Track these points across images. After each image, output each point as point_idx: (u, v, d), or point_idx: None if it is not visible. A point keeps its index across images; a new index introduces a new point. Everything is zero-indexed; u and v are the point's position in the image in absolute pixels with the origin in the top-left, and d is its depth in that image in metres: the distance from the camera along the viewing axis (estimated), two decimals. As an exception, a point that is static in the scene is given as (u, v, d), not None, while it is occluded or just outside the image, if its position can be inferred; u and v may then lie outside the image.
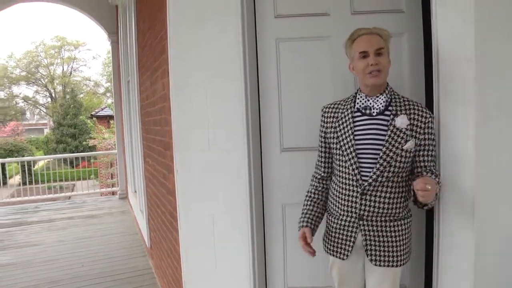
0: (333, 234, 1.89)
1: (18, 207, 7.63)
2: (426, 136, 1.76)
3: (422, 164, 1.78)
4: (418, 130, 1.74)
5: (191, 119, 2.23)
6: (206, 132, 2.21)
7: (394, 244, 1.79)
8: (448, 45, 1.86)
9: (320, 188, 1.99)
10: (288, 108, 2.30)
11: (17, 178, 15.35)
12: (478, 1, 1.72)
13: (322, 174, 1.98)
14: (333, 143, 1.88)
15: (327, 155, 1.96)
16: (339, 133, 1.84)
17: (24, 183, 9.07)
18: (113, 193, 9.63)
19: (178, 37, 2.23)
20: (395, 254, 1.80)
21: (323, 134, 1.95)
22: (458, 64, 1.81)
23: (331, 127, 1.89)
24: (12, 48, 52.27)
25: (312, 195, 1.99)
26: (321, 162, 1.99)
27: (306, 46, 2.28)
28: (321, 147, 1.97)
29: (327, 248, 1.94)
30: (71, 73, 32.14)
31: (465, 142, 1.78)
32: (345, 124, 1.83)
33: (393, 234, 1.79)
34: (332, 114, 1.91)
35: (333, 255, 1.91)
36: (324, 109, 1.96)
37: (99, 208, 7.16)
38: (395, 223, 1.79)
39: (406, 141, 1.72)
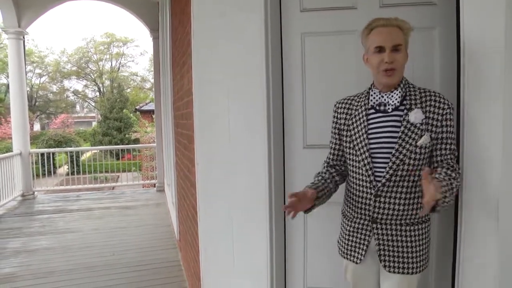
0: (347, 237, 1.83)
1: (61, 196, 8.00)
2: (444, 129, 1.65)
3: (439, 158, 1.67)
4: (435, 123, 1.64)
5: (212, 113, 2.24)
6: (227, 127, 2.21)
7: (410, 250, 1.69)
8: (476, 37, 1.74)
9: (331, 171, 1.88)
10: (312, 104, 2.25)
11: (65, 168, 16.09)
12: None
13: (335, 163, 1.90)
14: (346, 142, 1.81)
15: (339, 152, 1.88)
16: (352, 132, 1.77)
17: (72, 173, 9.46)
18: (154, 186, 9.88)
19: (201, 31, 2.24)
20: (410, 261, 1.69)
21: (336, 131, 1.87)
22: (486, 58, 1.69)
23: (344, 124, 1.82)
24: (64, 44, 54.75)
25: (322, 174, 1.88)
26: (333, 155, 1.90)
27: (332, 40, 2.22)
28: (334, 143, 1.89)
29: (341, 251, 1.87)
30: (119, 68, 33.35)
31: (491, 140, 1.67)
32: (358, 123, 1.75)
33: (408, 239, 1.69)
34: (346, 111, 1.83)
35: (347, 258, 1.84)
36: (337, 105, 1.88)
37: (136, 200, 7.37)
38: (411, 228, 1.69)
39: (421, 137, 1.63)
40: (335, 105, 1.89)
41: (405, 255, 1.69)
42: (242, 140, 2.21)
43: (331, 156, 1.92)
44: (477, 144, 1.73)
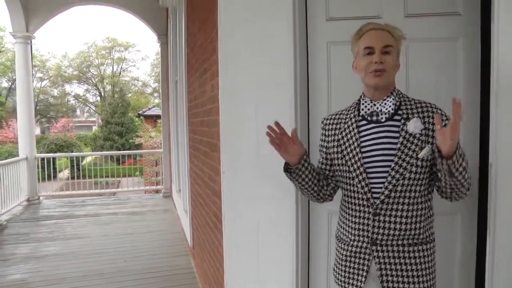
0: (344, 263, 1.64)
1: (66, 201, 7.97)
2: None
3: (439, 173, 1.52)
4: (434, 134, 1.49)
5: (239, 121, 2.23)
6: (255, 136, 2.19)
7: (415, 273, 1.53)
8: (508, 49, 1.74)
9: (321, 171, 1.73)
10: (337, 112, 2.25)
11: (66, 173, 16.05)
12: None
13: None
14: (337, 159, 1.65)
15: (325, 171, 1.72)
16: (343, 147, 1.62)
17: (73, 178, 9.45)
18: (157, 191, 9.85)
19: (228, 39, 2.23)
20: (417, 286, 1.54)
21: (324, 149, 1.73)
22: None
23: (333, 140, 1.67)
24: (66, 48, 54.90)
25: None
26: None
27: (358, 50, 2.22)
28: (321, 163, 1.74)
29: (338, 279, 1.68)
30: (120, 73, 33.42)
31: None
32: (349, 136, 1.61)
33: (413, 261, 1.54)
34: (334, 126, 1.69)
35: (345, 287, 1.65)
36: (324, 121, 1.76)
37: (142, 205, 7.34)
38: (415, 248, 1.54)
39: (421, 148, 1.50)
40: (322, 122, 1.77)
41: (410, 279, 1.53)
42: (270, 150, 2.17)
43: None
44: (507, 160, 1.72)
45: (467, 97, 2.11)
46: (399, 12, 2.17)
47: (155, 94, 33.59)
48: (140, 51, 40.95)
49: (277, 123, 1.53)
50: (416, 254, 1.55)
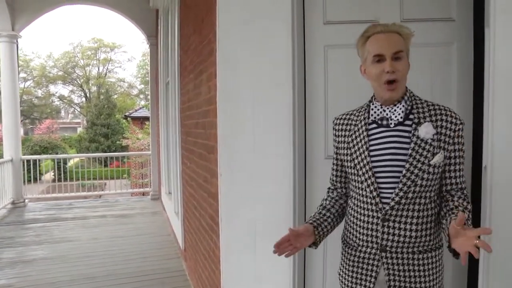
0: (351, 269, 1.61)
1: (52, 203, 7.86)
2: (457, 147, 1.49)
3: (451, 181, 1.52)
4: (447, 140, 1.47)
5: (237, 123, 2.23)
6: (252, 137, 2.20)
7: (423, 279, 1.51)
8: (504, 54, 1.77)
9: (332, 195, 1.74)
10: (334, 115, 2.25)
11: (51, 175, 15.82)
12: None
13: (336, 186, 1.75)
14: (346, 161, 1.63)
15: (341, 173, 1.72)
16: (352, 150, 1.59)
17: (58, 180, 9.32)
18: (144, 194, 9.78)
19: (227, 41, 2.23)
20: None
21: (335, 150, 1.71)
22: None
23: (343, 141, 1.64)
24: (51, 48, 54.18)
25: (324, 202, 1.73)
26: (335, 176, 1.74)
27: (355, 53, 2.23)
28: (335, 164, 1.73)
29: (344, 284, 1.65)
30: (106, 74, 33.10)
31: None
32: (358, 139, 1.57)
33: (421, 268, 1.51)
34: (344, 127, 1.66)
35: None
36: (335, 121, 1.72)
37: (131, 208, 7.28)
38: (425, 255, 1.51)
39: (434, 154, 1.46)
40: (333, 121, 1.73)
41: (417, 285, 1.51)
42: (267, 151, 2.20)
43: (333, 177, 1.75)
44: (502, 164, 1.76)
45: (461, 101, 2.16)
46: (396, 16, 2.21)
47: (141, 96, 33.38)
48: (126, 52, 40.65)
49: (276, 245, 1.47)
50: (426, 261, 1.52)
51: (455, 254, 1.35)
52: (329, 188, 1.77)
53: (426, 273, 1.52)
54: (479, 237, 1.20)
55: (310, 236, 1.56)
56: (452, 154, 1.50)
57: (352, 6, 2.24)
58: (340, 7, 2.25)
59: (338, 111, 2.22)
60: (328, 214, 1.67)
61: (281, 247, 1.46)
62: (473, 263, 2.06)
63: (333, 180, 1.75)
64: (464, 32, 2.17)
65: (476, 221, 1.94)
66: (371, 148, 1.54)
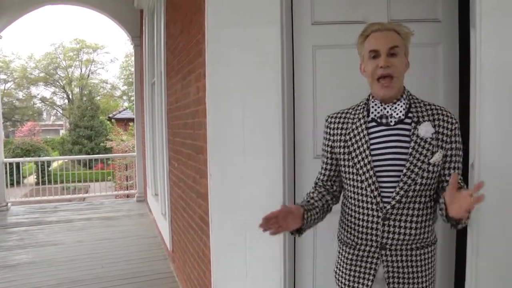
0: (349, 267, 1.61)
1: (36, 207, 7.72)
2: (454, 146, 1.51)
3: (448, 178, 1.52)
4: (445, 138, 1.49)
5: (227, 123, 2.23)
6: (242, 137, 2.20)
7: (420, 274, 1.54)
8: (492, 55, 1.81)
9: (320, 190, 1.69)
10: (322, 115, 2.24)
11: (33, 178, 15.53)
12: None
13: (324, 184, 1.71)
14: (343, 160, 1.60)
15: (332, 173, 1.69)
16: (351, 148, 1.56)
17: (41, 183, 9.17)
18: (128, 196, 9.67)
19: (216, 42, 2.24)
20: (420, 286, 1.55)
21: (328, 149, 1.66)
22: (503, 76, 1.78)
23: (339, 140, 1.61)
24: (32, 49, 53.29)
25: (310, 194, 1.68)
26: (324, 175, 1.71)
27: (343, 53, 2.26)
28: (326, 163, 1.69)
29: (342, 283, 1.65)
30: (88, 75, 32.64)
31: (505, 160, 1.74)
32: (358, 137, 1.55)
33: (419, 263, 1.54)
34: (340, 125, 1.63)
35: None
36: (329, 119, 1.68)
37: (117, 210, 7.20)
38: (422, 251, 1.54)
39: (433, 153, 1.47)
40: (326, 120, 1.70)
41: (416, 280, 1.54)
42: (257, 151, 2.21)
43: (321, 177, 1.72)
44: (489, 162, 1.80)
45: (447, 100, 2.20)
46: (383, 17, 2.24)
47: (124, 97, 33.04)
48: (109, 53, 40.21)
49: (264, 218, 1.40)
50: (423, 257, 1.55)
51: (452, 224, 1.41)
52: (316, 184, 1.75)
53: (423, 267, 1.55)
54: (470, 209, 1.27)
55: (298, 218, 1.51)
56: (449, 153, 1.51)
57: (340, 7, 2.27)
58: (328, 8, 2.28)
59: (326, 111, 2.24)
60: (316, 204, 1.63)
61: (268, 223, 1.40)
62: (461, 258, 2.10)
63: (321, 180, 1.72)
64: (450, 32, 2.22)
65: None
66: (372, 147, 1.53)
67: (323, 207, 1.65)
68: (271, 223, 1.41)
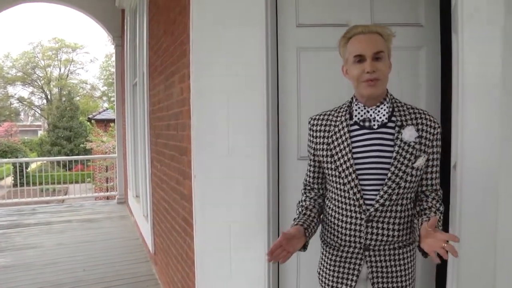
0: (332, 268, 1.62)
1: (14, 209, 7.54)
2: (435, 150, 1.54)
3: (427, 182, 1.57)
4: (428, 143, 1.51)
5: (211, 124, 2.23)
6: (226, 139, 2.20)
7: (404, 273, 1.58)
8: (473, 59, 1.85)
9: (310, 195, 1.71)
10: (306, 117, 2.26)
11: (10, 179, 15.19)
12: (509, 13, 1.74)
13: (313, 187, 1.73)
14: (326, 162, 1.60)
15: (317, 174, 1.70)
16: (333, 151, 1.56)
17: (17, 185, 8.99)
18: (108, 198, 9.55)
19: (201, 43, 2.23)
20: (403, 284, 1.58)
21: (312, 151, 1.67)
22: (484, 80, 1.82)
23: (322, 143, 1.61)
24: (9, 48, 52.16)
25: (303, 203, 1.70)
26: (310, 177, 1.72)
27: (327, 56, 2.27)
28: (311, 165, 1.71)
29: (325, 283, 1.66)
30: (68, 75, 32.08)
31: (487, 162, 1.78)
32: (340, 140, 1.55)
33: (401, 262, 1.57)
34: (323, 128, 1.63)
35: None
36: (312, 121, 1.69)
37: (97, 212, 7.10)
38: (403, 250, 1.57)
39: (416, 157, 1.49)
40: (309, 122, 1.70)
41: (399, 278, 1.57)
42: (241, 152, 2.21)
43: (308, 179, 1.73)
44: (472, 166, 1.84)
45: (429, 103, 2.24)
46: (367, 20, 2.27)
47: (104, 98, 32.59)
48: (89, 53, 39.59)
49: (269, 252, 1.41)
50: (405, 255, 1.58)
51: (424, 254, 1.41)
52: (305, 188, 1.75)
53: (406, 266, 1.58)
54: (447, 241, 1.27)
55: (301, 237, 1.53)
56: (431, 157, 1.54)
57: (324, 10, 2.29)
58: (312, 10, 2.30)
59: (310, 113, 2.25)
60: (312, 214, 1.65)
61: (274, 254, 1.41)
62: (441, 260, 2.14)
63: (309, 182, 1.72)
64: (432, 37, 2.27)
65: (445, 219, 2.02)
66: (354, 150, 1.53)
67: (318, 212, 1.68)
68: (277, 252, 1.41)
